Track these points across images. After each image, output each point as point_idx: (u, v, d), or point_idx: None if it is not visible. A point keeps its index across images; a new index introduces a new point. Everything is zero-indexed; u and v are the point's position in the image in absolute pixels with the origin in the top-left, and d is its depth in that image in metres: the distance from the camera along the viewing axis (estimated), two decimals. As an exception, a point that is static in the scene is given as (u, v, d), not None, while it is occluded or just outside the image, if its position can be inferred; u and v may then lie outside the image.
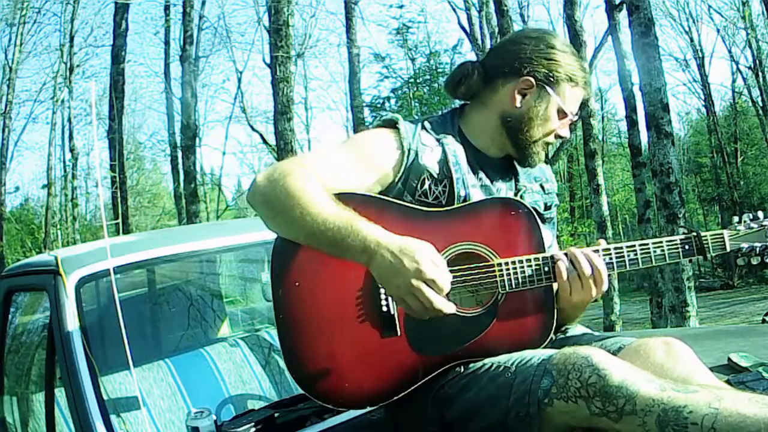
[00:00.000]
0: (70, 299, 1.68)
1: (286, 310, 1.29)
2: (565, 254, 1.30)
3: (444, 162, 1.35)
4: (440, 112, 1.49)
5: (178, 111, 12.09)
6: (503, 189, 1.42)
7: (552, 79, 1.36)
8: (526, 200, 1.43)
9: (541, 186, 1.50)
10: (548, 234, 1.44)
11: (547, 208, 1.49)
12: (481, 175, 1.40)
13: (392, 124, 1.38)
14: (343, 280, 1.27)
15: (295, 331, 1.28)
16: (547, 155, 1.49)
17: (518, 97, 1.37)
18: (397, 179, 1.33)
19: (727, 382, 1.41)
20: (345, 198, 1.23)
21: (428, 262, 1.15)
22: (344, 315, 1.27)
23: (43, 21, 13.93)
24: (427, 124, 1.40)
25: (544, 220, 1.46)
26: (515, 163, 1.46)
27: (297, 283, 1.28)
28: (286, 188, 1.20)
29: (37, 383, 2.06)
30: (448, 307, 1.17)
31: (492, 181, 1.41)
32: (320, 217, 1.17)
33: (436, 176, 1.34)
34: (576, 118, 1.41)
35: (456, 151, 1.37)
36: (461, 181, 1.34)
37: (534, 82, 1.36)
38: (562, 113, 1.38)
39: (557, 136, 1.41)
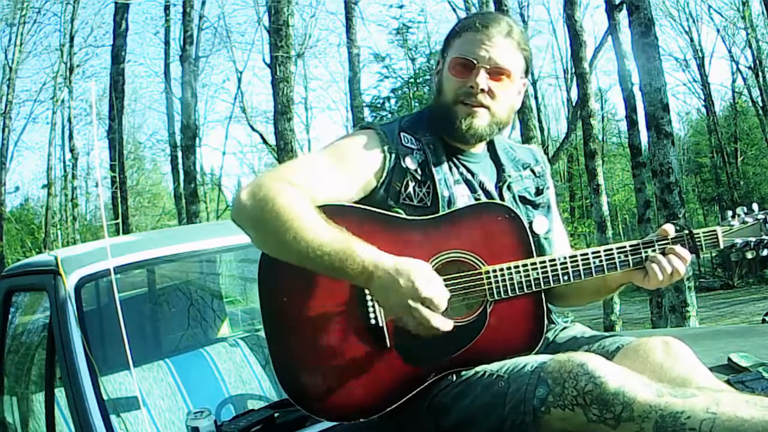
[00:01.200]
0: (70, 299, 1.68)
1: (275, 324, 1.29)
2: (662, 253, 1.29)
3: (425, 163, 1.34)
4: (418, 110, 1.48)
5: (178, 111, 12.10)
6: (486, 182, 1.40)
7: (446, 45, 1.39)
8: (515, 189, 1.41)
9: (531, 170, 1.47)
10: (543, 221, 1.41)
11: (539, 192, 1.46)
12: (462, 170, 1.39)
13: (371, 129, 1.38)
14: (331, 292, 1.26)
15: (283, 344, 1.28)
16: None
17: (435, 78, 1.43)
18: (379, 184, 1.31)
19: (727, 382, 1.41)
20: (328, 210, 1.22)
21: (424, 281, 1.15)
22: (333, 328, 1.27)
23: (43, 21, 13.95)
24: (405, 123, 1.39)
25: (536, 206, 1.44)
26: (498, 154, 1.44)
27: (285, 298, 1.27)
28: (275, 211, 1.17)
29: (37, 383, 2.06)
30: (446, 325, 1.17)
31: (473, 175, 1.39)
32: (315, 242, 1.15)
33: (419, 178, 1.32)
34: (481, 63, 1.31)
35: (435, 150, 1.36)
36: (443, 181, 1.33)
37: (440, 58, 1.41)
38: (455, 64, 1.34)
39: (470, 92, 1.32)
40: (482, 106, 1.33)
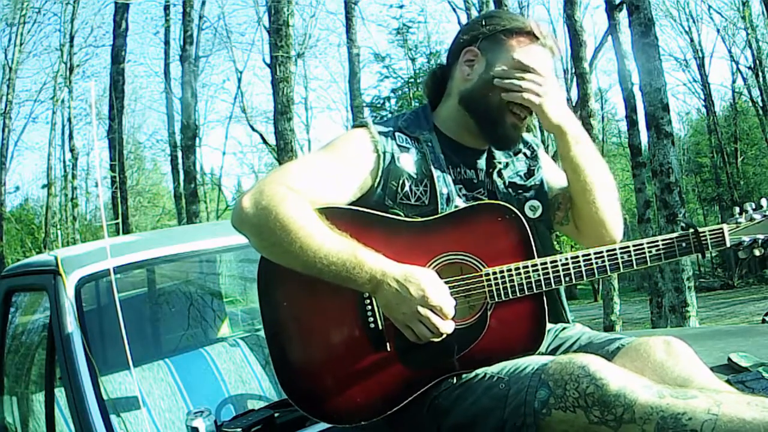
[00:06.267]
0: (70, 299, 1.68)
1: (275, 328, 1.29)
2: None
3: (423, 161, 1.33)
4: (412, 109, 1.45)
5: (178, 111, 12.11)
6: (482, 177, 1.38)
7: (493, 39, 1.34)
8: (506, 175, 1.40)
9: (524, 154, 1.45)
10: (535, 204, 1.39)
11: (531, 174, 1.44)
12: (461, 167, 1.37)
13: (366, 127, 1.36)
14: (330, 297, 1.26)
15: (284, 349, 1.28)
16: (528, 128, 1.38)
17: (466, 69, 1.36)
18: (376, 184, 1.31)
19: (727, 382, 1.41)
20: (329, 214, 1.22)
21: (433, 289, 1.18)
22: (333, 332, 1.27)
23: (43, 21, 13.98)
24: (401, 123, 1.38)
25: (528, 189, 1.42)
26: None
27: (285, 303, 1.28)
28: (280, 220, 1.18)
29: (37, 383, 2.06)
30: (451, 328, 1.21)
31: (472, 171, 1.38)
32: (321, 251, 1.17)
33: (415, 177, 1.32)
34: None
35: (434, 148, 1.35)
36: (442, 179, 1.32)
37: (477, 50, 1.35)
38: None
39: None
40: (525, 119, 1.35)
